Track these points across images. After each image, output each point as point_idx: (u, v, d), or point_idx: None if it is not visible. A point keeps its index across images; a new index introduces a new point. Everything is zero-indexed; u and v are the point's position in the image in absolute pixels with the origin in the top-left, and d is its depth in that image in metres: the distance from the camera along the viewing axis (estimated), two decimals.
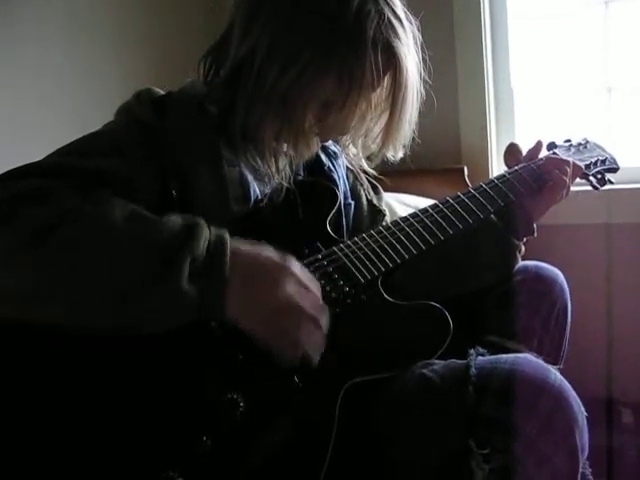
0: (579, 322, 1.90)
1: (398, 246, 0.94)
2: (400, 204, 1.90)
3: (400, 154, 1.03)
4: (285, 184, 0.91)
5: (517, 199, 1.08)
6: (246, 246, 0.76)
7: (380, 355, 0.87)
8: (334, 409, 0.79)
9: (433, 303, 0.91)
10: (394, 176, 2.16)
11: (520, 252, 1.12)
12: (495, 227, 1.10)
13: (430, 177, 2.14)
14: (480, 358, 0.85)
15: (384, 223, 1.15)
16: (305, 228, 0.93)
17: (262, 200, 0.91)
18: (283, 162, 0.91)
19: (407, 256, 0.94)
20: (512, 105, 2.15)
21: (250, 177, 0.91)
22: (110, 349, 0.73)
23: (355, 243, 0.93)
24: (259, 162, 0.90)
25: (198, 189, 0.84)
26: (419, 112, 2.10)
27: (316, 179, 1.01)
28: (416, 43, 0.91)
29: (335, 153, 1.09)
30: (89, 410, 0.73)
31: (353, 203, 1.11)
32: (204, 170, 0.85)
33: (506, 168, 1.99)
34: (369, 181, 1.19)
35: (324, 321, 0.78)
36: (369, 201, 1.15)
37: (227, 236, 0.75)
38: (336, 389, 0.80)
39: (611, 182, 1.24)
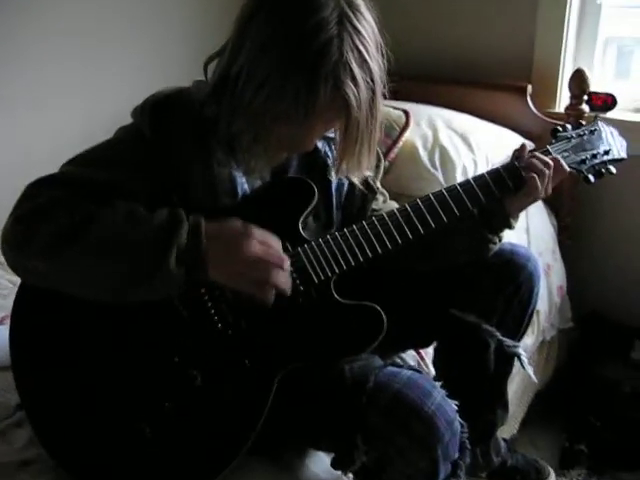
0: None
1: (356, 249, 1.02)
2: (445, 126, 1.89)
3: (366, 173, 1.09)
4: (261, 180, 1.02)
5: (490, 201, 1.10)
6: (216, 225, 0.92)
7: (316, 347, 1.00)
8: (271, 387, 0.96)
9: (375, 306, 1.01)
10: (453, 85, 2.14)
11: (495, 243, 1.16)
12: (472, 218, 1.13)
13: (491, 92, 2.08)
14: (387, 369, 1.00)
15: (375, 203, 1.21)
16: (277, 227, 1.00)
17: (251, 194, 1.03)
18: (259, 163, 1.00)
19: (362, 259, 1.03)
20: (597, 25, 1.98)
21: (239, 174, 1.02)
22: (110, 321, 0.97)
23: (319, 245, 1.01)
24: (240, 162, 1.00)
25: (191, 188, 0.99)
26: (493, 22, 2.02)
27: (296, 177, 1.08)
28: (374, 80, 0.92)
29: (333, 137, 1.11)
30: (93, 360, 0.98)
31: (347, 182, 1.16)
32: (196, 171, 0.98)
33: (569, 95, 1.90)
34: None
35: (286, 264, 0.94)
36: (364, 179, 1.17)
37: (202, 221, 0.91)
38: (275, 371, 0.97)
39: (610, 173, 1.20)
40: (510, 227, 1.16)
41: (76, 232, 0.88)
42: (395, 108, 1.91)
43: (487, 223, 1.14)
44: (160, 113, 0.98)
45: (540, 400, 1.96)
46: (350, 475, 1.05)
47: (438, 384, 1.00)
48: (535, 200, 1.12)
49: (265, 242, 0.93)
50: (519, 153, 1.14)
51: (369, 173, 1.13)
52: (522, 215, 1.86)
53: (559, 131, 1.19)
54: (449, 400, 0.98)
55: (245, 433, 0.95)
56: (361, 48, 0.90)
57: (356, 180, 1.12)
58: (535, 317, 1.81)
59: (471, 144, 1.85)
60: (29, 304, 1.01)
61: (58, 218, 0.89)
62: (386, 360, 1.34)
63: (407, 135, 1.87)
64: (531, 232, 1.90)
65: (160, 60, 2.10)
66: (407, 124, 1.87)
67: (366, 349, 1.00)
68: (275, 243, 0.95)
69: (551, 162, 1.10)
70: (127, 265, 0.88)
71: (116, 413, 0.96)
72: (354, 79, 0.89)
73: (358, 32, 0.90)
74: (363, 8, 0.93)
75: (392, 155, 1.86)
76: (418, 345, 1.36)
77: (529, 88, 2.03)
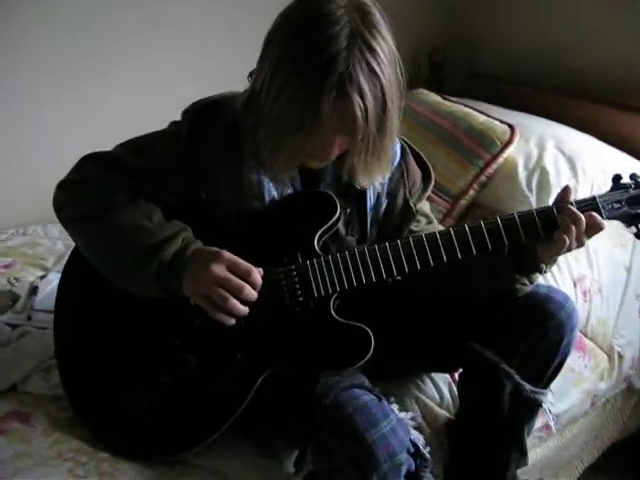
0: None
1: (361, 270, 1.04)
2: (554, 146, 1.79)
3: (379, 180, 1.10)
4: (293, 189, 1.10)
5: (513, 244, 1.05)
6: (202, 248, 1.02)
7: (304, 355, 1.06)
8: (255, 382, 1.05)
9: (366, 328, 1.04)
10: (580, 100, 2.00)
11: (525, 284, 1.12)
12: (500, 256, 1.10)
13: (620, 112, 1.92)
14: (351, 390, 1.02)
15: (415, 225, 1.21)
16: (293, 237, 1.06)
17: (277, 201, 1.09)
18: (282, 171, 1.05)
19: (365, 281, 1.05)
20: None
21: (267, 180, 1.08)
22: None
23: (327, 261, 1.05)
24: (265, 169, 1.06)
25: (219, 189, 1.08)
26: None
27: (322, 191, 1.10)
28: (385, 93, 0.92)
29: None
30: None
31: (385, 201, 1.17)
32: (224, 174, 1.07)
33: None
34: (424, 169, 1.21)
35: (247, 291, 0.98)
36: (405, 200, 1.19)
37: (191, 245, 1.02)
38: (262, 369, 1.06)
39: None
40: (540, 272, 1.11)
41: (97, 213, 1.04)
42: (502, 122, 1.84)
43: (516, 264, 1.10)
44: (199, 119, 1.07)
45: (621, 449, 1.82)
46: None
47: (401, 415, 1.02)
48: (569, 250, 1.06)
49: (234, 266, 0.98)
50: (561, 197, 1.08)
51: (381, 181, 1.13)
52: (627, 249, 1.75)
53: (621, 178, 1.10)
54: (404, 433, 0.99)
55: (226, 415, 1.05)
56: (371, 60, 0.90)
57: (377, 185, 1.14)
58: (617, 361, 1.69)
59: (577, 169, 1.73)
60: (78, 264, 1.16)
61: (90, 195, 1.05)
62: (414, 377, 1.38)
63: (510, 151, 1.80)
64: (634, 270, 1.74)
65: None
66: (511, 140, 1.79)
67: (348, 368, 1.04)
68: (243, 268, 0.99)
69: (583, 218, 1.02)
70: (123, 256, 1.02)
71: (122, 375, 1.10)
72: (360, 91, 0.89)
73: (369, 46, 0.90)
74: (380, 25, 0.93)
75: (490, 170, 1.81)
76: (443, 369, 1.35)
77: None
